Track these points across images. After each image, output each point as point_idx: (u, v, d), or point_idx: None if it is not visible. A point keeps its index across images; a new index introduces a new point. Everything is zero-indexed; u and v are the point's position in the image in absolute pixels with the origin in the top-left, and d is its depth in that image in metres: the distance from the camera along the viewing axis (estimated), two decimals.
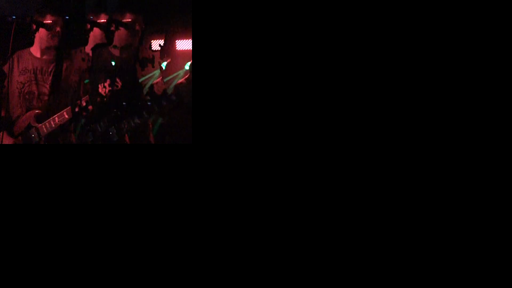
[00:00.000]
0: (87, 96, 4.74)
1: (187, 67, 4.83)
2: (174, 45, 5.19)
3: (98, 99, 4.71)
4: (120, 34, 4.76)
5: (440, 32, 3.41)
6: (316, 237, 3.47)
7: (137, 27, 4.78)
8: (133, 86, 4.74)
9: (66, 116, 4.75)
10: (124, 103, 4.63)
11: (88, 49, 4.92)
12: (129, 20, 4.75)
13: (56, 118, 4.78)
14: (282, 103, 3.51)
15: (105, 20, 4.85)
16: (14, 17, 4.63)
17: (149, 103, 4.57)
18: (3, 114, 4.85)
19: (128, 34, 4.76)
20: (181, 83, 4.71)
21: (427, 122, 3.42)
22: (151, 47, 5.01)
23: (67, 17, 4.89)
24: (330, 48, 3.47)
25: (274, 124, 3.52)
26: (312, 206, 3.48)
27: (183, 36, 5.19)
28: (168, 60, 4.80)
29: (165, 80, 4.81)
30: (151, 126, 4.85)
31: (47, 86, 4.88)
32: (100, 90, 4.72)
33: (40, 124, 4.80)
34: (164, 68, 4.75)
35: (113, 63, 4.75)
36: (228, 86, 3.54)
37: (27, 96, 4.87)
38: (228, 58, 3.54)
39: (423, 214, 3.41)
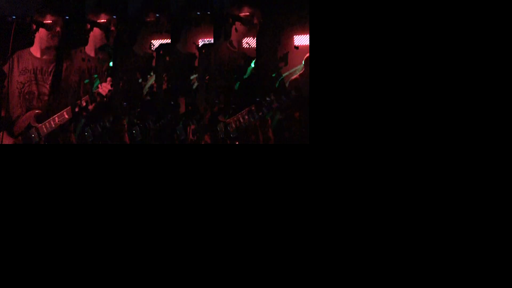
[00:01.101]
0: (87, 96, 4.74)
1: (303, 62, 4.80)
2: (292, 40, 5.09)
3: (101, 99, 4.71)
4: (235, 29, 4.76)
5: None
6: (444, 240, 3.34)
7: (255, 21, 4.77)
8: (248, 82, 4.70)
9: (66, 116, 4.75)
10: (257, 99, 4.57)
11: (88, 49, 4.93)
12: (247, 14, 4.75)
13: (56, 118, 4.78)
14: (406, 104, 3.36)
15: (105, 20, 4.85)
16: (14, 17, 4.62)
17: (268, 99, 4.53)
18: (3, 114, 4.85)
19: (245, 28, 4.75)
20: (295, 79, 4.65)
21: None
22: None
23: (67, 17, 4.88)
24: (451, 45, 3.35)
25: (397, 127, 3.36)
26: (437, 210, 3.33)
27: (301, 31, 5.07)
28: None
29: (283, 75, 4.76)
30: (270, 122, 4.77)
31: (47, 86, 4.88)
32: (99, 90, 4.72)
33: (40, 124, 4.80)
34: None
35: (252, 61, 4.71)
36: (348, 84, 3.40)
37: (27, 96, 4.87)
38: (348, 55, 3.41)
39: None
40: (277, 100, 4.47)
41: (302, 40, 5.02)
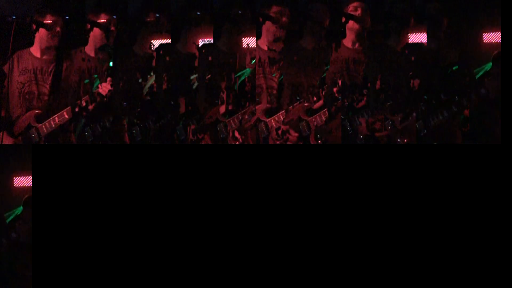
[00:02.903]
0: (87, 96, 4.75)
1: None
2: (481, 37, 4.87)
3: (101, 99, 4.71)
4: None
5: None
6: None
7: (284, 19, 4.75)
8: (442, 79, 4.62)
9: (66, 116, 4.75)
10: (456, 97, 4.51)
11: (88, 49, 4.93)
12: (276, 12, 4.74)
13: (56, 118, 4.78)
14: None
15: (105, 20, 4.85)
16: (14, 17, 4.62)
17: (456, 97, 4.47)
18: (3, 114, 4.85)
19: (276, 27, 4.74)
20: (485, 76, 4.57)
21: None
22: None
23: (67, 17, 4.88)
24: None
25: None
26: None
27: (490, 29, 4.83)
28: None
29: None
30: (458, 121, 4.62)
31: (47, 86, 4.88)
32: (99, 90, 4.72)
33: (40, 124, 4.80)
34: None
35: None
36: None
37: (27, 96, 4.87)
38: None
39: None
40: (467, 98, 4.43)
41: (491, 37, 4.85)
